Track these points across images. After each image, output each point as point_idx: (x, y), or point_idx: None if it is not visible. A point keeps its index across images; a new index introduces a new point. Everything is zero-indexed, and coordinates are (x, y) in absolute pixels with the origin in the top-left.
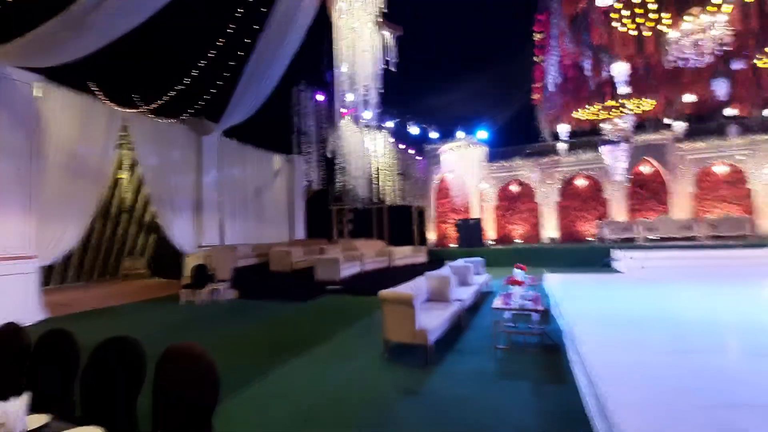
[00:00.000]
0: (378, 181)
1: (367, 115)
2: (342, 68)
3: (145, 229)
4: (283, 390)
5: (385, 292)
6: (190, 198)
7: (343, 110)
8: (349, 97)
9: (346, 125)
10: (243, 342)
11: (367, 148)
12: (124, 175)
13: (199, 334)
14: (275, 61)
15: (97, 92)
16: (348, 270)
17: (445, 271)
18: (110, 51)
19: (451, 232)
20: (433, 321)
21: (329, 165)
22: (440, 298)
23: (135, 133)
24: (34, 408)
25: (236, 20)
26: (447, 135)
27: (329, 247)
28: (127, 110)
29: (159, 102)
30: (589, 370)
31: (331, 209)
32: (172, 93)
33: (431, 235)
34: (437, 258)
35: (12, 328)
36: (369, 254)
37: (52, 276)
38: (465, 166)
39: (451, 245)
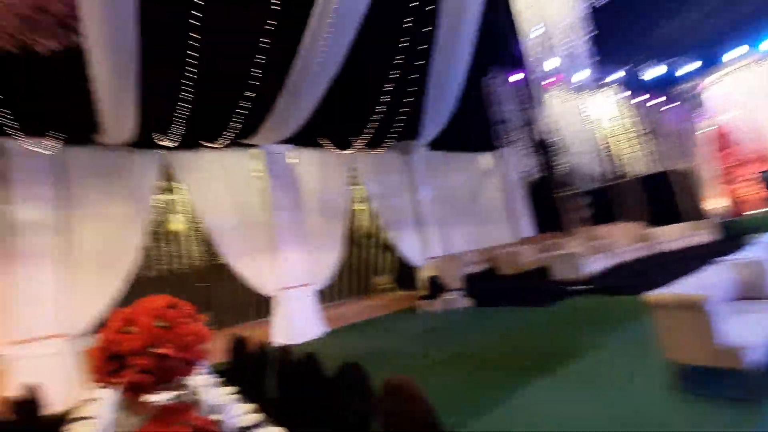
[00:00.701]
0: (613, 150)
1: (580, 75)
2: (531, 34)
3: (384, 249)
4: (530, 422)
5: (657, 294)
6: (411, 215)
7: (547, 81)
8: (551, 64)
9: (554, 97)
10: (479, 356)
11: (589, 115)
12: (361, 207)
13: (437, 347)
14: (456, 56)
15: (325, 144)
16: (594, 265)
17: (758, 252)
18: (320, 109)
19: (747, 193)
20: (750, 331)
21: (545, 148)
22: (756, 295)
23: (359, 170)
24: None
25: (407, 31)
26: (709, 62)
27: (565, 240)
28: (348, 152)
29: (368, 137)
30: None
31: (557, 197)
32: (374, 125)
33: (714, 203)
34: (733, 234)
35: (284, 349)
36: (620, 242)
37: (324, 296)
38: (753, 93)
39: (752, 212)
